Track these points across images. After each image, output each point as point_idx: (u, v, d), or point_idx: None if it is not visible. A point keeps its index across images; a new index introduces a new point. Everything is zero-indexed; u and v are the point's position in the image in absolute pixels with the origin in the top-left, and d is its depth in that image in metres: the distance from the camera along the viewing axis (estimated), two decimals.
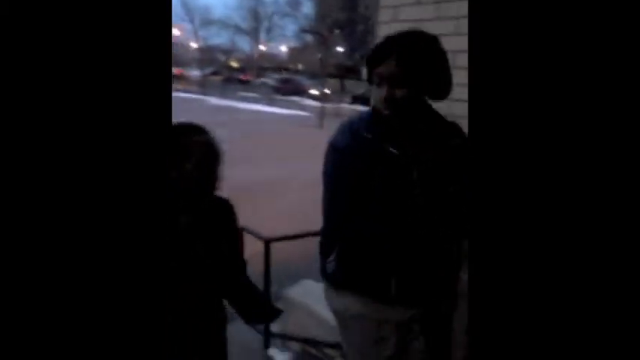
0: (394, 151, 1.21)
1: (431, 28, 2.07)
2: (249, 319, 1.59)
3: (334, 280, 1.34)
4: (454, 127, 1.30)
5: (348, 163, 1.25)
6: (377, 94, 1.21)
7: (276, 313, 1.53)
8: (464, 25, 1.92)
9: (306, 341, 2.50)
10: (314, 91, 26.45)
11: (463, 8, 2.02)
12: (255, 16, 37.94)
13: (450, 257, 1.29)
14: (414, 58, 1.17)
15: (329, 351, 2.38)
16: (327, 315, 1.38)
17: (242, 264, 1.45)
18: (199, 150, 1.19)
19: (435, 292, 1.31)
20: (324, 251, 1.34)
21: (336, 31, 33.36)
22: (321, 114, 17.60)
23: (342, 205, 1.28)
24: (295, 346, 2.56)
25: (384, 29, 2.34)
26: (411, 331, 1.33)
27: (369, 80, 1.24)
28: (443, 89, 1.24)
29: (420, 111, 1.24)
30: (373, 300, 1.29)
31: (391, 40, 1.21)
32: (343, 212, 1.28)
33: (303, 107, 22.91)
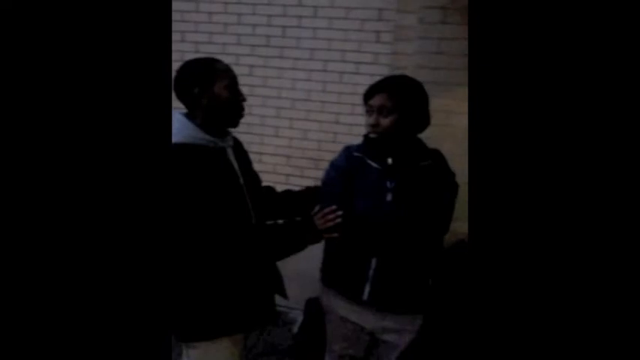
0: (374, 165, 1.42)
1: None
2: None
3: (322, 278, 1.56)
4: (434, 152, 1.46)
5: (339, 177, 1.45)
6: (367, 121, 1.40)
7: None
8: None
9: None
10: None
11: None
12: None
13: (420, 267, 1.42)
14: (400, 93, 1.35)
15: None
16: None
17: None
18: (226, 74, 1.32)
19: (407, 301, 1.44)
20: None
21: None
22: None
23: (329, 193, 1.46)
24: None
25: None
26: (383, 342, 1.49)
27: (366, 111, 1.42)
28: (421, 123, 1.41)
29: (402, 137, 1.39)
30: (349, 302, 1.47)
31: (384, 80, 1.41)
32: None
33: None
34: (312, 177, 2.85)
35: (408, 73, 2.14)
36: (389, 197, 1.38)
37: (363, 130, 2.66)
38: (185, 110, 1.36)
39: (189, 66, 1.32)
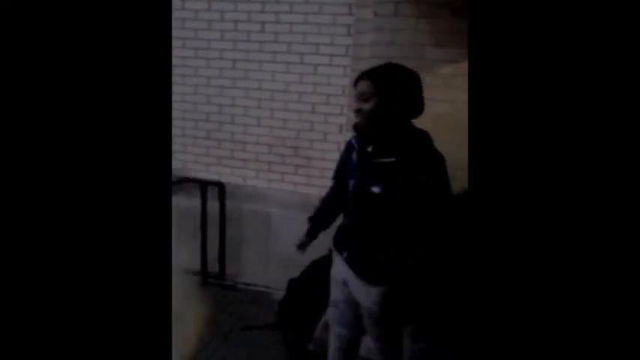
0: (355, 145, 1.58)
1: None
2: None
3: (332, 242, 1.75)
4: (420, 139, 1.47)
5: (339, 159, 1.73)
6: (353, 107, 1.48)
7: None
8: None
9: None
10: None
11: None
12: None
13: (384, 243, 1.49)
14: (381, 80, 1.40)
15: None
16: None
17: None
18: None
19: (375, 273, 1.52)
20: None
21: None
22: None
23: (330, 188, 1.79)
24: None
25: None
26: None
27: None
28: (408, 108, 1.45)
29: (386, 122, 1.43)
30: (340, 260, 1.66)
31: (370, 68, 1.46)
32: (330, 194, 1.81)
33: None
34: (292, 164, 3.04)
35: (366, 63, 2.32)
36: (356, 177, 1.54)
37: (338, 119, 2.90)
38: None
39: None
